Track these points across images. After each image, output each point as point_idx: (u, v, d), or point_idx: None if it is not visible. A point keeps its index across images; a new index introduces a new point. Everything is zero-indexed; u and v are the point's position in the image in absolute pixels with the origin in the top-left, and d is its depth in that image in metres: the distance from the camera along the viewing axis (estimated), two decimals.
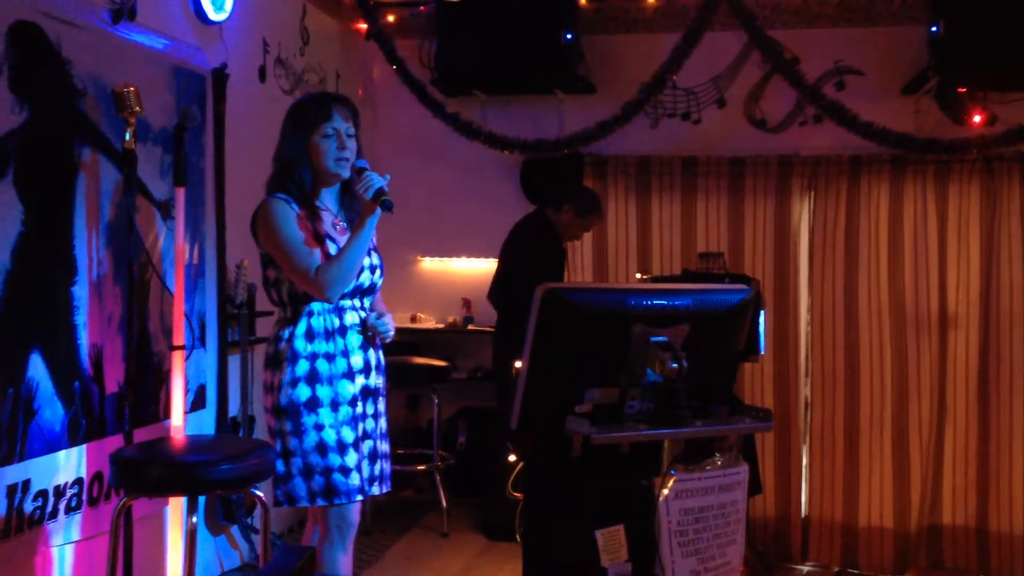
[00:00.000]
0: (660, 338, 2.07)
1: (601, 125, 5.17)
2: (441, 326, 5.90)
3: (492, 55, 5.32)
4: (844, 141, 5.09)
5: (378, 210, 3.01)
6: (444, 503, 5.17)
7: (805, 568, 5.14)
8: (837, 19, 5.30)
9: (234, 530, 4.48)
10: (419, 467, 5.15)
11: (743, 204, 5.35)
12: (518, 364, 4.64)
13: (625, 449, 2.08)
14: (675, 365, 2.02)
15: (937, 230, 5.13)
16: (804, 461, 5.30)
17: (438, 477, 5.20)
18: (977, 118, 4.85)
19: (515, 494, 4.77)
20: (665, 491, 2.03)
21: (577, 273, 5.50)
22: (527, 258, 5.04)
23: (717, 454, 2.12)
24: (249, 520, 4.42)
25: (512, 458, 4.69)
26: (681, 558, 2.01)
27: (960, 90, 4.86)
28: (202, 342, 4.28)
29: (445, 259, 6.02)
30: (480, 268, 5.89)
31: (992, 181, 5.05)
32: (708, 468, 2.08)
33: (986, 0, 4.63)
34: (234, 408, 4.45)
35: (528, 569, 3.58)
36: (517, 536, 4.87)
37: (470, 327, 5.84)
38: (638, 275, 4.73)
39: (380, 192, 2.99)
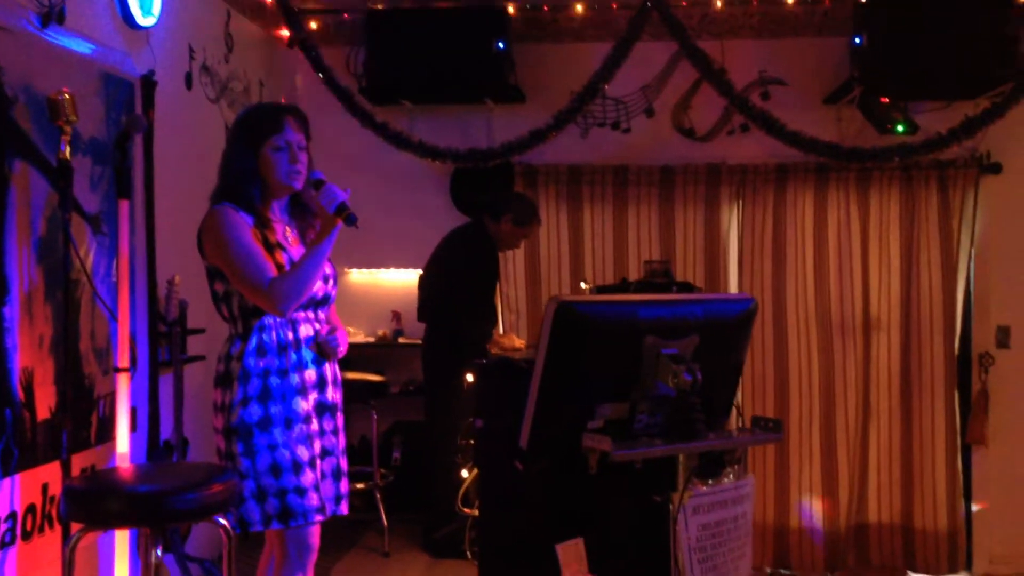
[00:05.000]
0: (671, 350, 2.04)
1: (534, 134, 5.13)
2: (371, 339, 5.77)
3: (421, 64, 5.24)
4: (770, 150, 5.19)
5: (339, 224, 2.92)
6: (385, 522, 5.04)
7: None
8: (761, 30, 5.40)
9: (167, 559, 4.27)
10: (359, 485, 5.01)
11: (673, 212, 5.40)
12: (470, 377, 4.59)
13: (639, 465, 2.04)
14: (689, 377, 1.99)
15: (860, 236, 5.27)
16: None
17: (378, 495, 5.08)
18: (899, 127, 4.99)
19: (465, 510, 4.69)
20: (683, 507, 2.00)
21: (510, 283, 5.46)
22: (468, 270, 4.98)
23: (728, 466, 2.10)
24: (183, 548, 4.22)
25: (464, 473, 4.62)
26: (701, 575, 1.98)
27: (883, 100, 5.00)
28: (133, 362, 4.07)
29: (373, 271, 5.89)
30: (410, 280, 5.78)
31: (911, 188, 5.22)
32: (723, 481, 2.05)
33: (907, 12, 4.77)
34: (166, 431, 4.25)
35: None
36: (468, 553, 4.79)
37: (400, 340, 5.72)
38: (583, 285, 4.72)
39: (343, 206, 2.91)
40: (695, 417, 2.00)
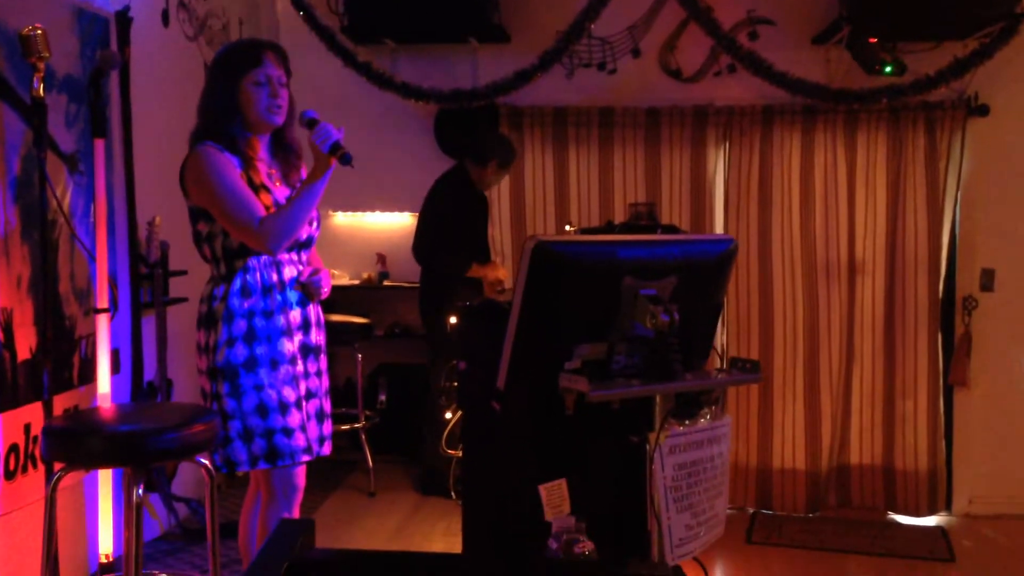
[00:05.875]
0: (650, 291, 2.03)
1: (519, 75, 5.07)
2: (356, 282, 5.75)
3: (404, 1, 5.15)
4: (757, 91, 5.14)
5: (333, 164, 2.90)
6: (370, 463, 5.07)
7: None
8: None
9: (153, 498, 4.30)
10: (343, 427, 5.03)
11: (660, 155, 5.36)
12: (452, 320, 4.59)
13: (616, 405, 2.04)
14: (667, 318, 1.99)
15: (846, 179, 5.24)
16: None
17: (363, 436, 5.10)
18: (888, 68, 4.94)
19: (449, 451, 4.72)
20: (659, 446, 2.00)
21: (496, 226, 5.43)
22: (445, 212, 4.96)
23: (705, 407, 2.10)
24: (169, 487, 4.24)
25: (448, 415, 4.64)
26: (676, 514, 1.99)
27: (871, 40, 4.94)
28: (114, 304, 4.05)
29: (358, 213, 5.84)
30: (394, 222, 5.76)
31: (898, 130, 5.18)
32: (699, 421, 2.06)
33: None
34: (149, 372, 4.25)
35: (468, 525, 3.55)
36: (452, 493, 4.83)
37: (386, 283, 5.70)
38: (567, 227, 4.70)
39: (337, 145, 2.89)
40: (672, 358, 2.00)
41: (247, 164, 2.95)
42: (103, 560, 3.38)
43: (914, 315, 5.20)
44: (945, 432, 5.25)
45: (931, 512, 5.19)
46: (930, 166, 5.15)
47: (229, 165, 2.88)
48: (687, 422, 2.05)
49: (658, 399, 2.06)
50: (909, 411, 5.22)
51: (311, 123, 2.91)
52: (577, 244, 2.05)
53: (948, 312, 5.25)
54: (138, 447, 2.64)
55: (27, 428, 3.41)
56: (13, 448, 3.34)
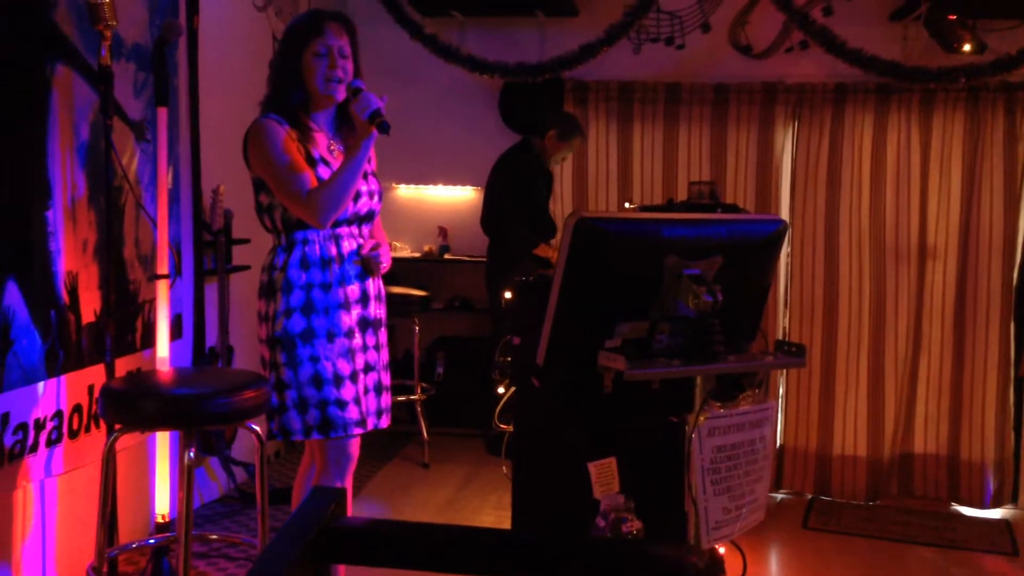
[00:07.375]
0: (694, 270, 2.00)
1: (584, 48, 5.02)
2: (417, 255, 5.79)
3: None
4: (829, 69, 5.02)
5: (374, 132, 2.89)
6: (425, 435, 5.12)
7: (779, 496, 5.19)
8: None
9: (213, 461, 4.39)
10: (399, 398, 5.08)
11: (726, 132, 5.28)
12: (508, 295, 4.60)
13: (656, 385, 2.02)
14: (710, 298, 1.95)
15: (920, 160, 5.10)
16: (781, 391, 5.32)
17: (419, 409, 5.14)
18: (967, 46, 4.78)
19: (502, 426, 4.73)
20: (698, 428, 1.98)
21: (557, 202, 5.41)
22: (511, 188, 4.96)
23: (747, 390, 2.07)
24: (228, 451, 4.33)
25: (501, 390, 4.65)
26: (714, 496, 1.97)
27: (951, 17, 4.78)
28: (177, 270, 4.13)
29: (421, 186, 5.87)
30: (457, 196, 5.77)
31: (976, 111, 5.02)
32: (741, 404, 2.03)
33: None
34: (211, 338, 4.33)
35: (518, 499, 3.57)
36: (504, 467, 4.85)
37: (447, 256, 5.73)
38: (627, 204, 4.67)
39: (376, 114, 2.87)
40: (714, 339, 1.97)
41: (306, 137, 2.96)
42: (159, 520, 3.47)
43: (986, 303, 5.06)
44: (1014, 424, 5.11)
45: (996, 505, 5.06)
46: (1008, 149, 4.99)
47: (284, 137, 2.89)
48: (728, 404, 2.02)
49: (699, 380, 2.03)
50: (977, 401, 5.09)
51: (355, 91, 2.91)
52: (620, 221, 2.02)
53: (1022, 301, 5.08)
54: (188, 411, 2.70)
55: (90, 389, 3.50)
56: (77, 408, 3.43)
